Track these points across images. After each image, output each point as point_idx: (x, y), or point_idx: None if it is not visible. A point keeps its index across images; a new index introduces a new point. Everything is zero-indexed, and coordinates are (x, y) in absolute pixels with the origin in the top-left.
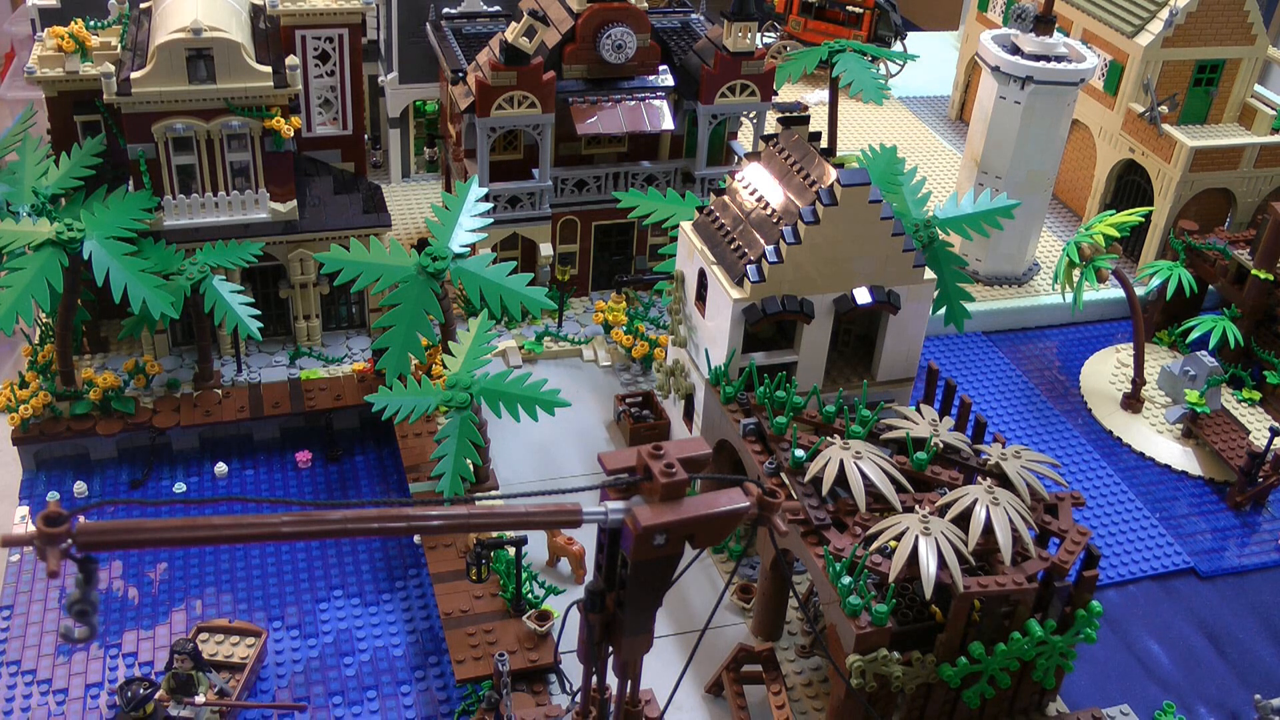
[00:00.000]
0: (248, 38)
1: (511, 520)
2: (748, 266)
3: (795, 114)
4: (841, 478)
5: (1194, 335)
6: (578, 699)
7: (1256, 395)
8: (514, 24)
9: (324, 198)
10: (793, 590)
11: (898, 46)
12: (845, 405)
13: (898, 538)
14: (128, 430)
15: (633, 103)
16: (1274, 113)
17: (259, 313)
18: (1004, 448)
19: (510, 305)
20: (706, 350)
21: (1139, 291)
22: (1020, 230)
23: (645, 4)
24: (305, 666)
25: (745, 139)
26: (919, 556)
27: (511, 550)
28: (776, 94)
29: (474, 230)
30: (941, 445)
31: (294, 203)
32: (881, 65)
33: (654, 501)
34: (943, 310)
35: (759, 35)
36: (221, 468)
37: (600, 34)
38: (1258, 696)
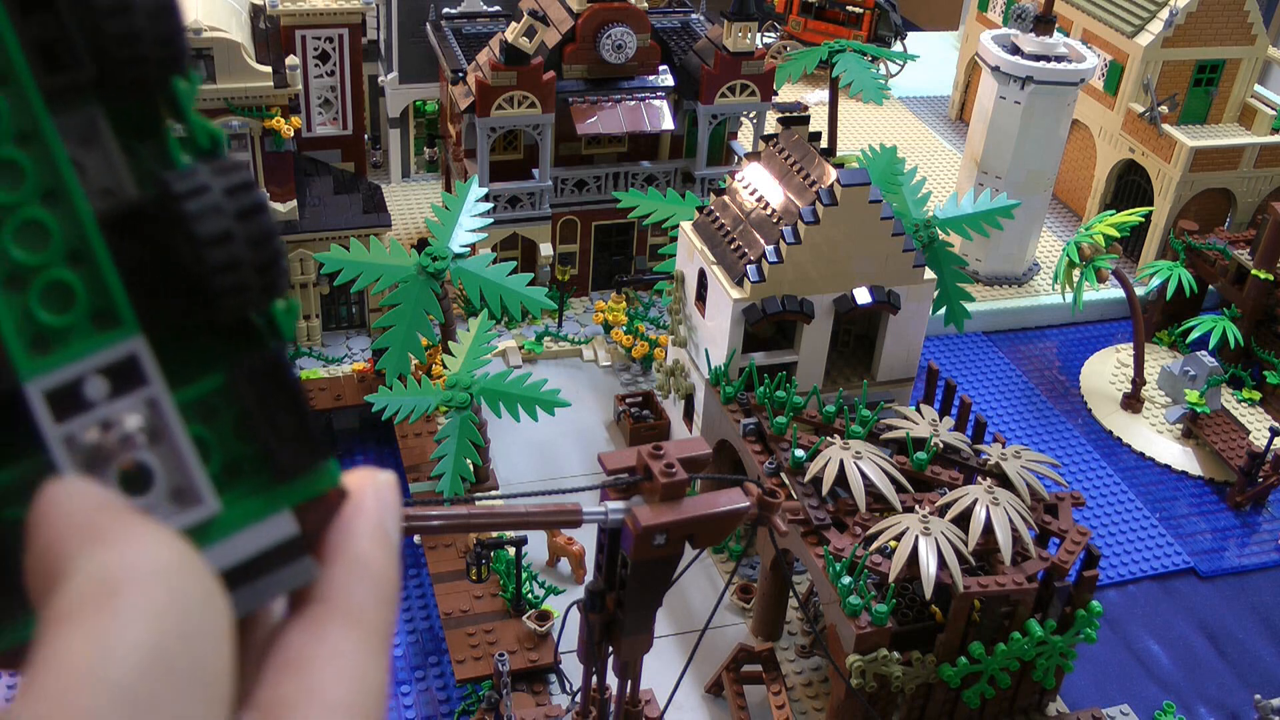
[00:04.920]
0: (248, 38)
1: (511, 520)
2: (748, 266)
3: (795, 114)
4: (841, 478)
5: (1194, 335)
6: (578, 699)
7: (1256, 395)
8: (514, 24)
9: (324, 198)
10: (793, 590)
11: (898, 46)
12: (845, 405)
13: (898, 538)
14: None
15: (633, 103)
16: (1274, 113)
17: None
18: (1004, 448)
19: (510, 305)
20: (706, 350)
21: (1139, 291)
22: (1020, 230)
23: (645, 4)
24: None
25: (745, 139)
26: (919, 556)
27: (511, 550)
28: (776, 94)
29: (474, 230)
30: (941, 445)
31: (294, 203)
32: (881, 65)
33: (654, 501)
34: (943, 310)
35: (759, 35)
36: None
37: (600, 34)
38: (1258, 696)
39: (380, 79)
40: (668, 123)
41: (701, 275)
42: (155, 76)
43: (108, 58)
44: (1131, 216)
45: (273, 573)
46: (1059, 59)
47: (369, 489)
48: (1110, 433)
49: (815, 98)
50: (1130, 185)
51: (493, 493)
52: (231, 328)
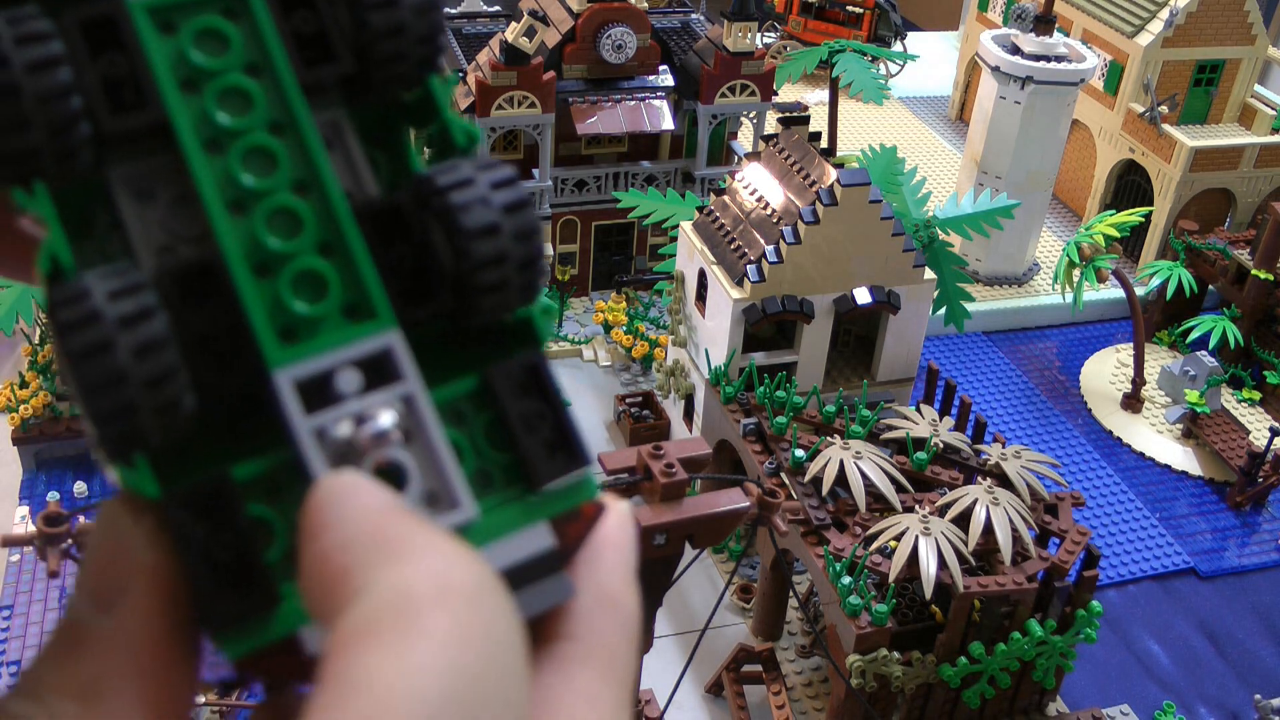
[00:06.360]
0: None
1: None
2: (748, 266)
3: (795, 114)
4: (841, 478)
5: (1194, 335)
6: None
7: (1256, 395)
8: (514, 24)
9: None
10: (793, 590)
11: (898, 46)
12: (845, 405)
13: (898, 538)
14: None
15: (633, 103)
16: (1274, 113)
17: None
18: (1004, 448)
19: None
20: (706, 350)
21: (1139, 291)
22: (1020, 230)
23: (645, 4)
24: None
25: (745, 139)
26: (919, 556)
27: None
28: (776, 94)
29: None
30: (941, 445)
31: None
32: (881, 65)
33: (654, 501)
34: (943, 310)
35: (759, 35)
36: None
37: (600, 34)
38: (1258, 696)
39: None
40: (668, 123)
41: (701, 275)
42: (414, 75)
43: (369, 52)
44: (1131, 216)
45: (531, 587)
46: (1059, 59)
47: (613, 522)
48: (1110, 433)
49: (815, 98)
50: (1130, 185)
51: None
52: (485, 328)
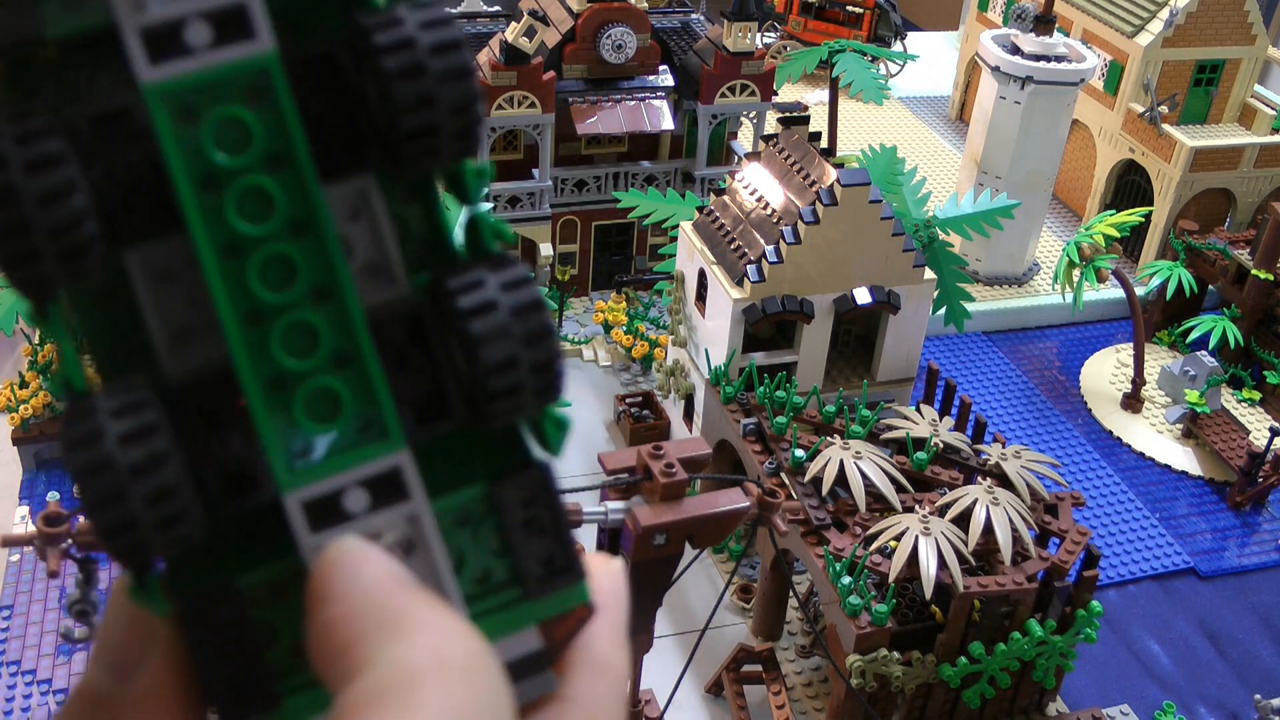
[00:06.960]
0: None
1: None
2: (748, 266)
3: (795, 114)
4: (841, 478)
5: (1194, 335)
6: None
7: (1256, 395)
8: (514, 24)
9: None
10: (793, 590)
11: (898, 46)
12: (845, 405)
13: (898, 538)
14: None
15: (633, 103)
16: (1274, 113)
17: None
18: (1004, 448)
19: None
20: (706, 350)
21: (1139, 291)
22: (1020, 230)
23: (645, 4)
24: None
25: (745, 139)
26: (919, 556)
27: None
28: (776, 94)
29: None
30: (941, 445)
31: None
32: (881, 65)
33: (654, 501)
34: (943, 310)
35: (759, 35)
36: None
37: (600, 34)
38: (1258, 696)
39: None
40: (668, 123)
41: (701, 275)
42: (446, 150)
43: (396, 127)
44: (1131, 216)
45: (517, 684)
46: (1059, 59)
47: (605, 584)
48: (1110, 433)
49: (815, 98)
50: (1130, 185)
51: None
52: (495, 435)
